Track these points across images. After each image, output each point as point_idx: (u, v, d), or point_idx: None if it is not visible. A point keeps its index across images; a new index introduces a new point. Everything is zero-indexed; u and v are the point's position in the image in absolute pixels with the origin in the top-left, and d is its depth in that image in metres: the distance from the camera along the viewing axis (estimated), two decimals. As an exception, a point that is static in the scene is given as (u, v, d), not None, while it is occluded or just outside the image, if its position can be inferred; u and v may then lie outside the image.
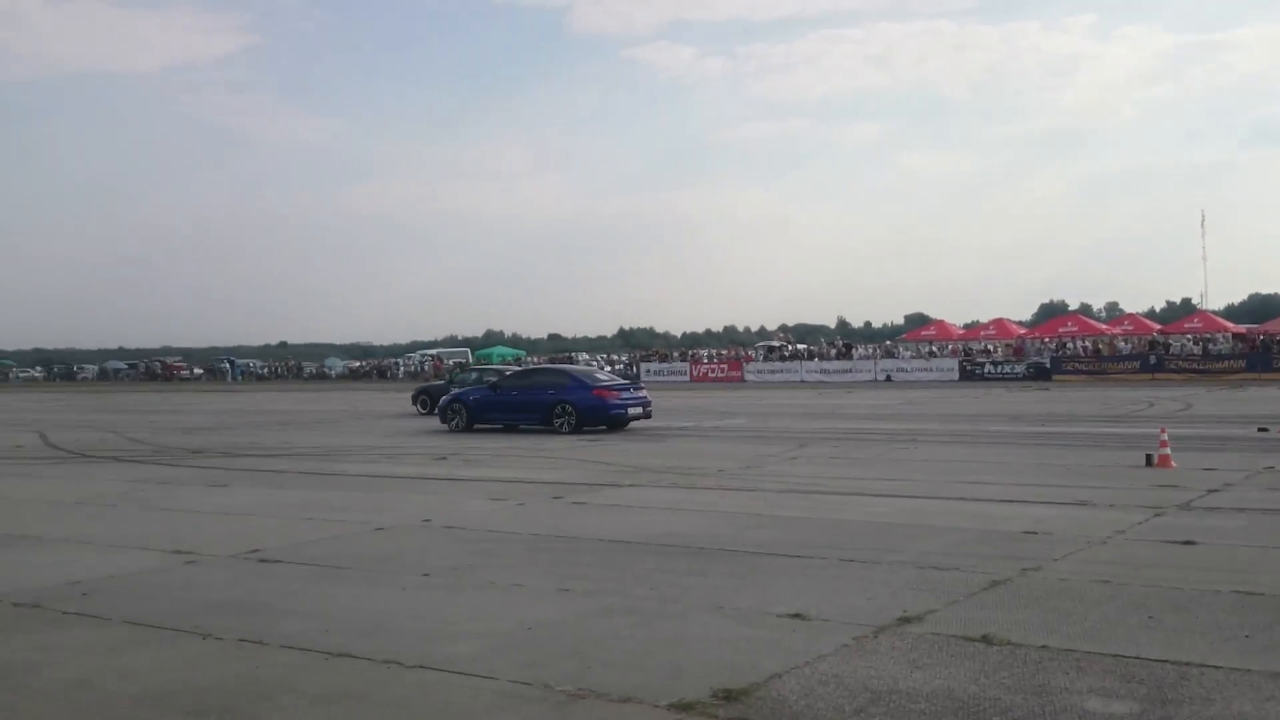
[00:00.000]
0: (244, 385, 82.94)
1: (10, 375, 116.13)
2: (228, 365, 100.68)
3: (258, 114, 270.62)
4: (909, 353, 66.62)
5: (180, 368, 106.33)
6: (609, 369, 57.71)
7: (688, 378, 66.82)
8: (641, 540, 10.92)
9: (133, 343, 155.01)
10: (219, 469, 19.35)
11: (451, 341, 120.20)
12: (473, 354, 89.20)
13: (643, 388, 28.91)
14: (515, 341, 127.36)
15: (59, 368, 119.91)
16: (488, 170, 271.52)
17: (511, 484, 15.98)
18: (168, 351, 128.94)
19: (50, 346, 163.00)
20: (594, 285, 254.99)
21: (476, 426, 27.24)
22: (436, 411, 29.89)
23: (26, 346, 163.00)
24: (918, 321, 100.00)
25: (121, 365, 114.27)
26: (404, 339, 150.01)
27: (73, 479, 18.40)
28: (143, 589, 9.19)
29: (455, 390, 30.67)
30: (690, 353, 79.86)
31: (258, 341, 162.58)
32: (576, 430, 25.45)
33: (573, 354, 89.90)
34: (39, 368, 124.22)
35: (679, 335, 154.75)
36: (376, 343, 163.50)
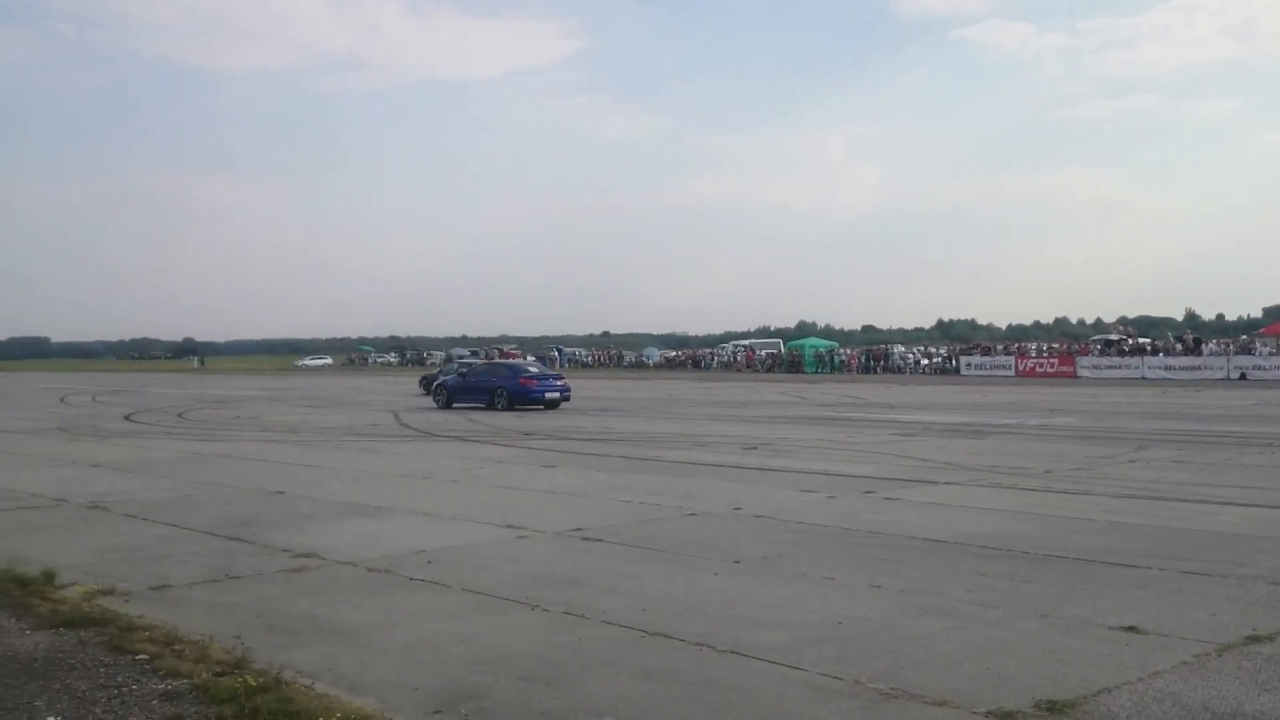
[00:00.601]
0: (570, 372, 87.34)
1: (370, 360, 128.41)
2: (556, 353, 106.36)
3: (589, 114, 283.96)
4: (1267, 349, 60.07)
5: (515, 355, 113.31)
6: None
7: (1012, 372, 63.66)
8: (959, 540, 10.55)
9: (475, 331, 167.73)
10: (547, 450, 20.49)
11: (764, 332, 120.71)
12: (785, 345, 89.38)
13: (562, 377, 37.93)
14: (828, 333, 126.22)
15: (411, 353, 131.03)
16: (804, 160, 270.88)
17: (822, 476, 15.88)
18: (504, 340, 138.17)
19: (404, 334, 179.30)
20: (911, 276, 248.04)
21: (455, 405, 34.75)
22: (431, 392, 37.83)
23: (384, 334, 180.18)
24: (1278, 315, 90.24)
25: (464, 352, 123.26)
26: (718, 329, 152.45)
27: (419, 456, 20.09)
28: (479, 560, 9.89)
29: (442, 378, 38.56)
30: (1016, 346, 76.01)
31: (583, 331, 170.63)
32: (509, 408, 33.05)
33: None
34: (394, 353, 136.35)
35: (1003, 327, 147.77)
36: (692, 333, 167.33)
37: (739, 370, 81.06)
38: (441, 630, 7.39)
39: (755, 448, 20.63)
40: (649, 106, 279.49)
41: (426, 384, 41.86)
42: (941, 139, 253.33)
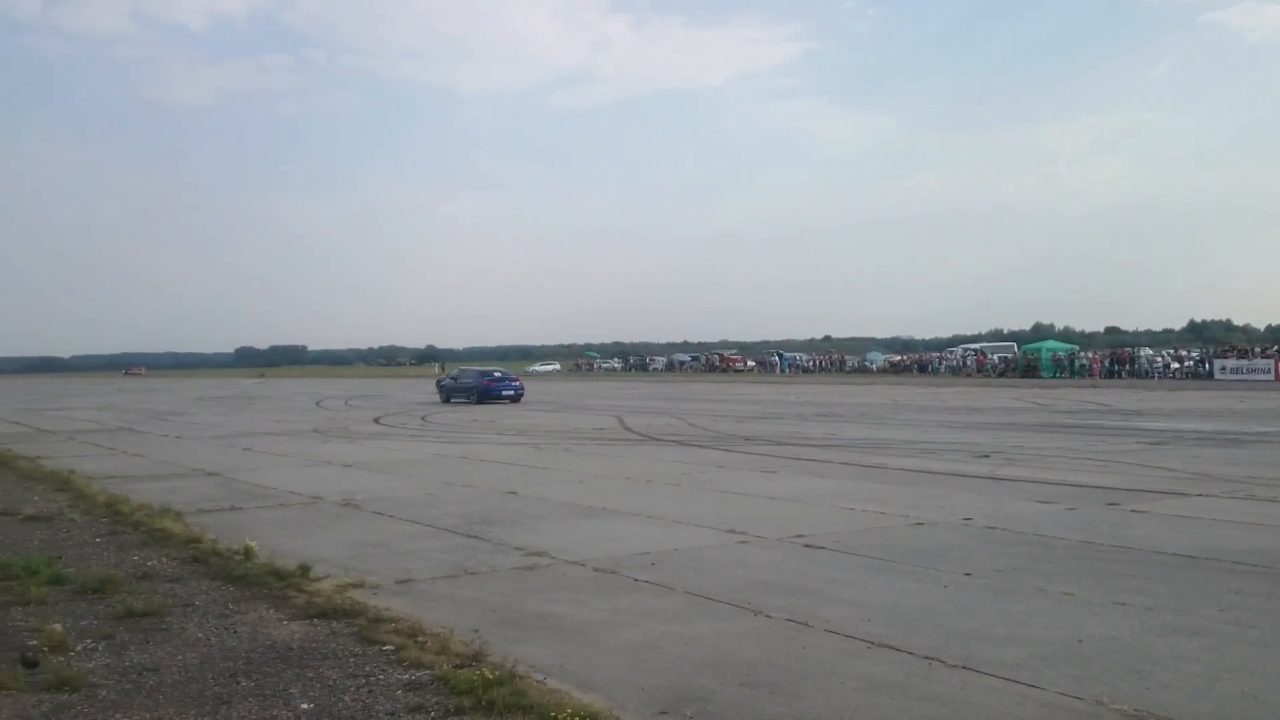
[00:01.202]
0: (791, 378, 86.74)
1: (595, 366, 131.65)
2: (776, 358, 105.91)
3: (811, 116, 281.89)
4: None
5: (736, 360, 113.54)
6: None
7: (1272, 376, 58.74)
8: (1212, 555, 9.84)
9: (695, 336, 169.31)
10: (768, 456, 20.45)
11: (996, 335, 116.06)
12: (1019, 348, 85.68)
13: (516, 379, 48.30)
14: (1067, 335, 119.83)
15: (634, 359, 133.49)
16: (1038, 157, 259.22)
17: (1060, 487, 15.14)
18: (724, 345, 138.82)
19: (628, 340, 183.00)
20: (1159, 274, 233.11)
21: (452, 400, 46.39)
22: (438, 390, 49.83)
23: (608, 340, 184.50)
24: None
25: (686, 358, 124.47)
26: (945, 333, 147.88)
27: (643, 459, 20.45)
28: (701, 563, 9.98)
29: (445, 382, 50.02)
30: (1276, 348, 70.02)
31: (804, 335, 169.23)
32: (479, 402, 44.83)
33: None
34: (617, 359, 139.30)
35: (1261, 328, 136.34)
36: (917, 336, 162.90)
37: (969, 375, 78.23)
38: (666, 632, 7.50)
39: (987, 455, 19.89)
40: (872, 106, 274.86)
41: (439, 386, 51.18)
42: (1191, 129, 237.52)
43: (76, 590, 8.78)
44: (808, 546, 10.73)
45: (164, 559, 10.23)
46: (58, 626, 7.47)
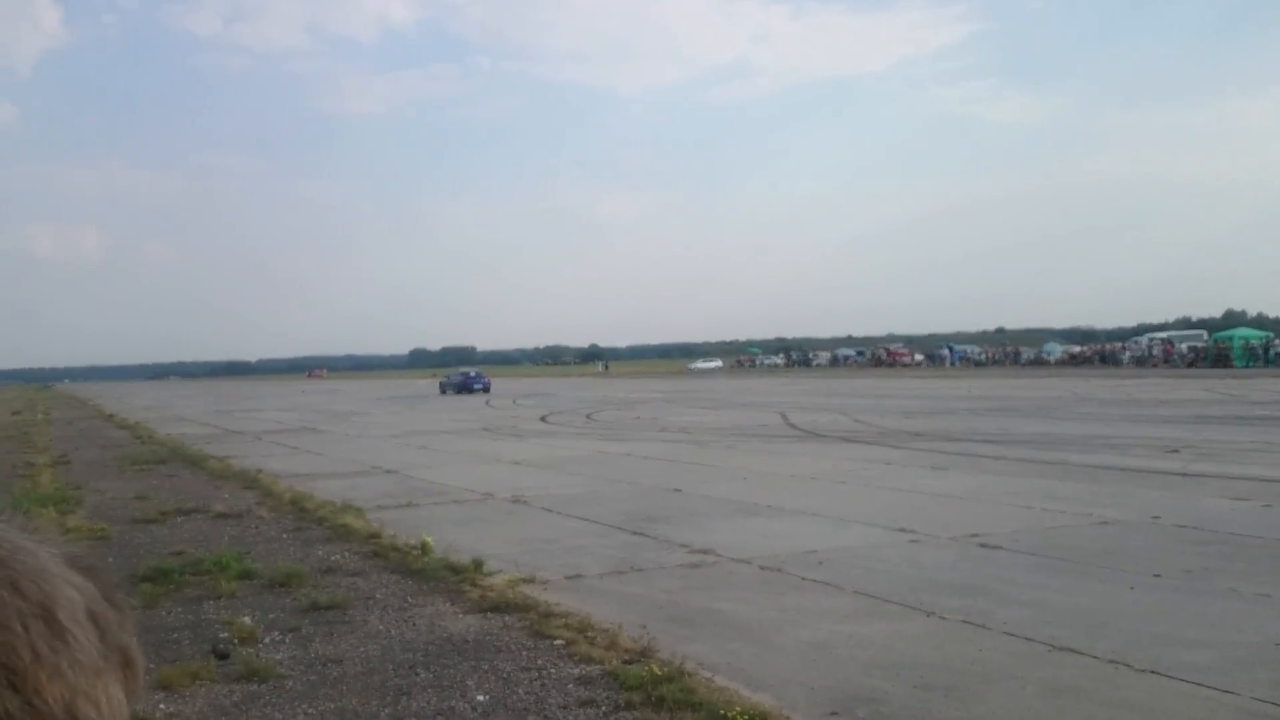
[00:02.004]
0: (961, 371, 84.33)
1: (757, 362, 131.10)
2: (946, 352, 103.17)
3: (979, 99, 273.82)
4: None
5: (903, 354, 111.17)
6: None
7: None
8: None
9: (860, 331, 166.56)
10: (938, 452, 19.91)
11: (1184, 323, 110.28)
12: (1209, 336, 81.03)
13: (485, 378, 67.06)
14: (1260, 322, 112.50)
15: (797, 354, 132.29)
16: (1223, 132, 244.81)
17: (1258, 483, 14.21)
18: (891, 339, 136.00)
19: (790, 335, 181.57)
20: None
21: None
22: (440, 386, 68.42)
23: (770, 336, 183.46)
24: None
25: (850, 352, 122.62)
26: (1129, 322, 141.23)
27: (808, 456, 20.21)
28: (870, 562, 9.78)
29: (443, 380, 68.74)
30: None
31: (975, 328, 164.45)
32: (458, 394, 61.42)
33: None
34: (780, 355, 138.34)
35: None
36: (1098, 326, 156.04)
37: (1154, 366, 74.41)
38: (836, 631, 7.37)
39: (1176, 450, 18.84)
40: (1045, 86, 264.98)
41: (439, 385, 68.75)
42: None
43: (264, 584, 9.24)
44: (983, 546, 10.38)
45: (346, 554, 10.67)
46: (247, 619, 7.88)
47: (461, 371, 73.35)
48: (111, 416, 46.70)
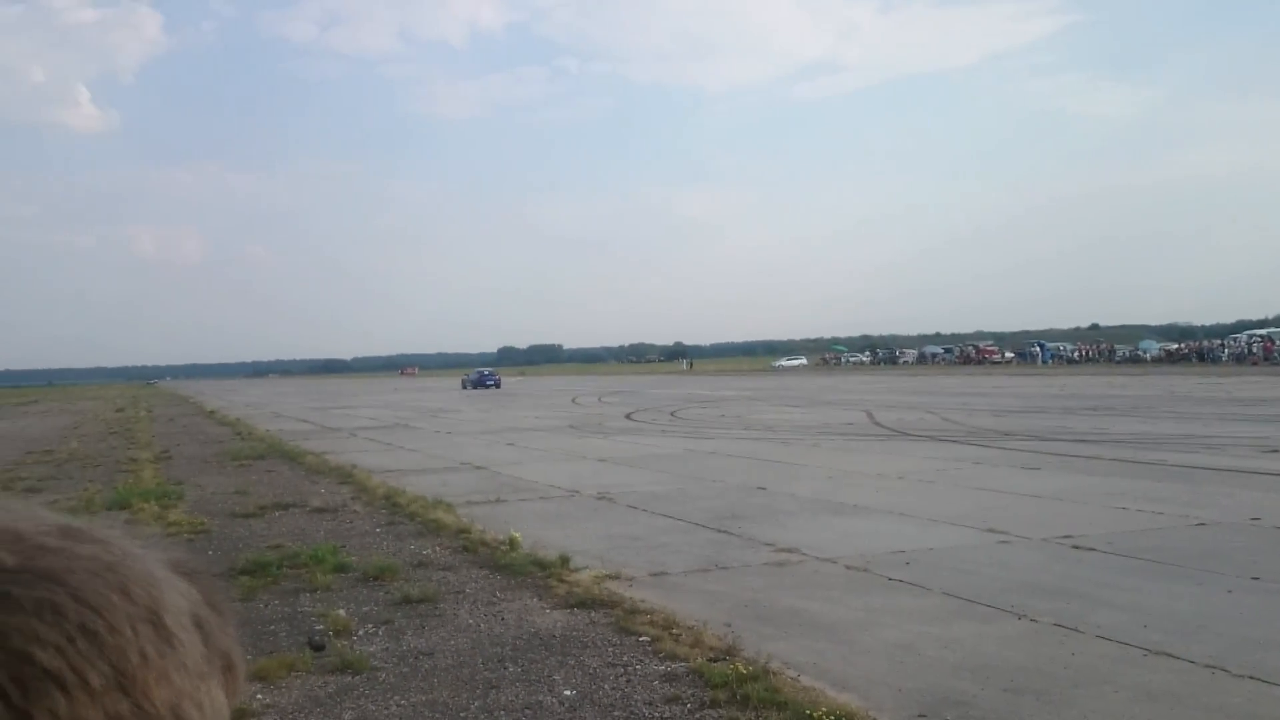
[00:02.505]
0: (1053, 369, 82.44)
1: (842, 359, 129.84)
2: (1037, 349, 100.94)
3: (1074, 92, 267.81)
4: None
5: (992, 351, 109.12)
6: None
7: None
8: None
9: (948, 328, 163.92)
10: (1029, 452, 19.53)
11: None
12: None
13: (496, 375, 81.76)
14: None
15: (883, 352, 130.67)
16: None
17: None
18: (980, 336, 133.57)
19: (876, 333, 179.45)
20: None
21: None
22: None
23: (856, 333, 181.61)
24: None
25: (938, 350, 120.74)
26: (1228, 318, 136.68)
27: (895, 455, 19.98)
28: (959, 563, 9.66)
29: (466, 378, 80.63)
30: None
31: (1067, 325, 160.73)
32: (473, 389, 73.35)
33: None
34: (866, 352, 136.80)
35: None
36: (1196, 323, 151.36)
37: (1254, 363, 71.91)
38: (923, 633, 7.31)
39: (1277, 450, 18.23)
40: (1141, 78, 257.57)
41: (462, 382, 79.41)
42: None
43: (359, 577, 9.47)
44: (1075, 548, 10.18)
45: (437, 548, 10.88)
46: (342, 612, 8.09)
47: (479, 371, 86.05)
48: (212, 413, 48.12)
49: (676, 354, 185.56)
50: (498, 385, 75.40)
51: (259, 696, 6.25)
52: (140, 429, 36.65)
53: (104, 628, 0.55)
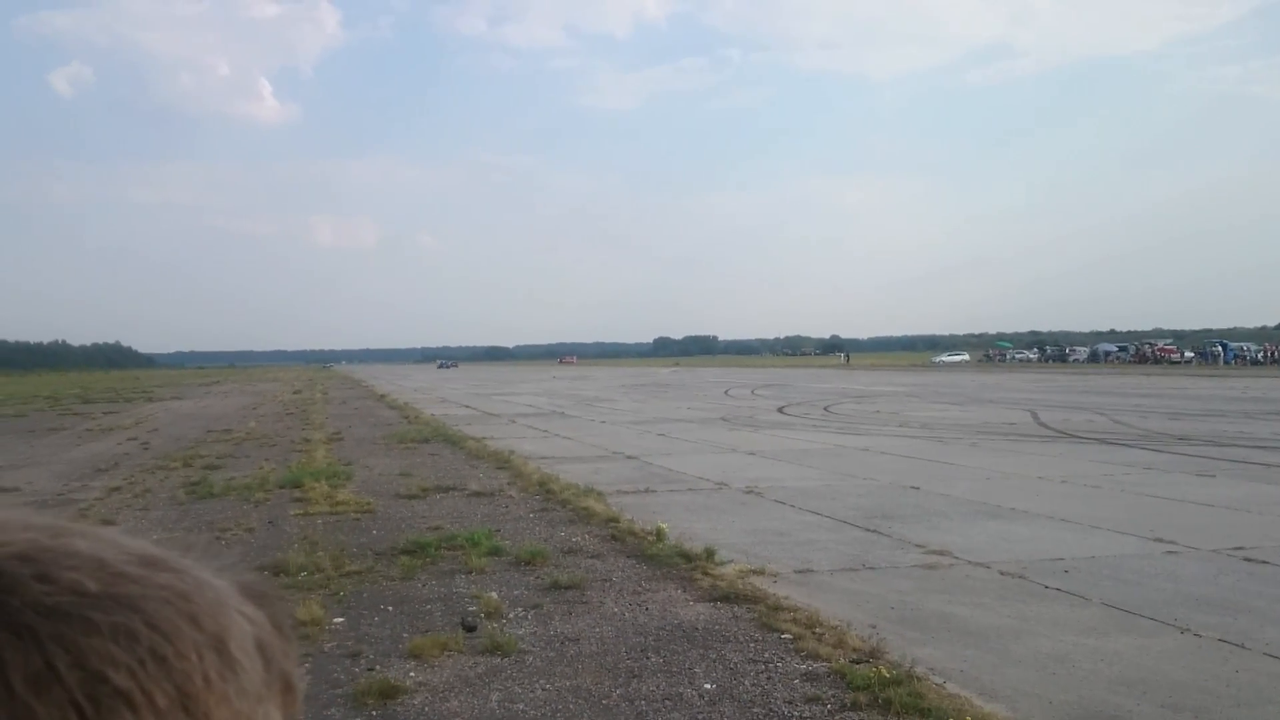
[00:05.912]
0: (1236, 370, 77.95)
1: (1008, 356, 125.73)
2: (1219, 349, 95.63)
3: (1265, 79, 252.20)
4: None
5: (1170, 351, 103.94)
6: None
7: None
8: None
9: (1124, 325, 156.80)
10: (1205, 458, 18.56)
11: None
12: None
13: (454, 363, 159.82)
14: None
15: (1052, 350, 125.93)
16: None
17: None
18: (1158, 334, 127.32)
19: (1045, 329, 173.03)
20: None
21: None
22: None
23: (1024, 329, 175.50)
24: None
25: (1112, 348, 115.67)
26: None
27: (1058, 458, 19.28)
28: (1121, 573, 9.29)
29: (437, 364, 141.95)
30: None
31: (1253, 323, 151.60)
32: (440, 370, 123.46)
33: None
34: (1034, 349, 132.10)
35: None
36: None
37: None
38: (1079, 644, 7.08)
39: None
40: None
41: (437, 365, 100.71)
42: None
43: (511, 561, 9.75)
44: (1248, 560, 9.66)
45: (586, 536, 11.09)
46: (494, 595, 8.35)
47: (442, 359, 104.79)
48: (383, 397, 50.04)
49: (833, 347, 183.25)
50: (455, 366, 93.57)
51: (412, 674, 6.53)
52: (315, 411, 38.39)
53: (172, 653, 0.60)
